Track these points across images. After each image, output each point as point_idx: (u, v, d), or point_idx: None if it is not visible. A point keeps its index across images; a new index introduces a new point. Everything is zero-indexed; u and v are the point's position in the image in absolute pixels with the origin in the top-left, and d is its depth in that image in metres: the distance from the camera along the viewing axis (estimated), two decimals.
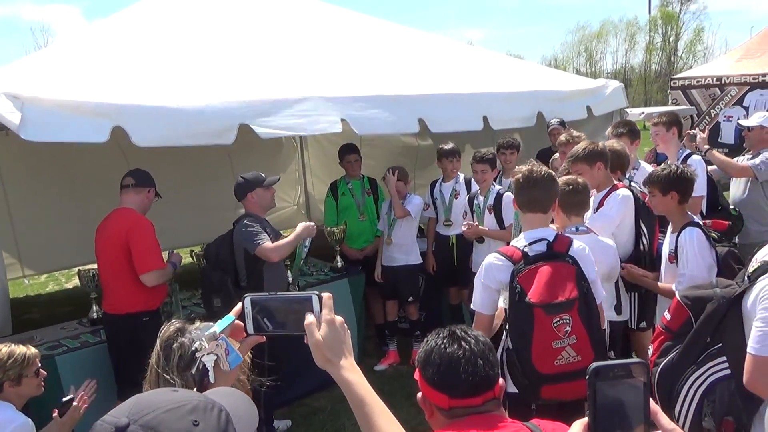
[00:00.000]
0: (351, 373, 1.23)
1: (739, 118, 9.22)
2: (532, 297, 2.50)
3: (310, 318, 1.22)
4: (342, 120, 4.34)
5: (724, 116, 10.94)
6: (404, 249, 5.14)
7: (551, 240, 2.66)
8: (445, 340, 1.56)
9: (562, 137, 4.64)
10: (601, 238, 3.21)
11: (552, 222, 2.94)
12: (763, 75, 10.55)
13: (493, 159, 4.84)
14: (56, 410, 2.73)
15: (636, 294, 3.66)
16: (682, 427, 2.35)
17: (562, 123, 5.35)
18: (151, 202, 3.93)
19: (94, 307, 4.31)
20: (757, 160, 4.65)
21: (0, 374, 2.62)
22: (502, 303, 2.68)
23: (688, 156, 4.56)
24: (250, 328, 1.27)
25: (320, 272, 5.26)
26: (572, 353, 2.49)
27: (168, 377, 1.48)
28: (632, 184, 4.14)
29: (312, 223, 4.11)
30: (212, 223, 5.77)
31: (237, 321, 1.29)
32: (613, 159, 3.80)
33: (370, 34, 6.07)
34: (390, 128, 4.77)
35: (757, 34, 12.56)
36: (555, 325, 2.48)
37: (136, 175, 3.87)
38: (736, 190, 4.94)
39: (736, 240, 4.68)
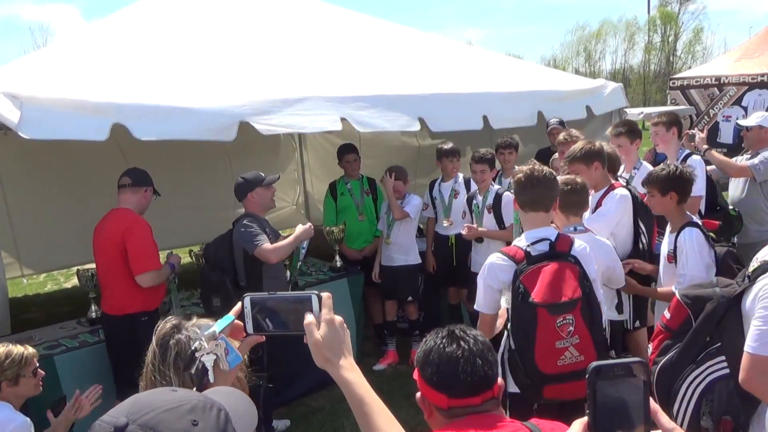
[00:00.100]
0: (350, 373, 1.23)
1: (737, 118, 9.23)
2: (535, 297, 2.49)
3: (309, 318, 1.22)
4: (342, 119, 4.34)
5: (723, 116, 10.95)
6: (403, 249, 5.14)
7: (553, 239, 2.65)
8: (443, 340, 1.56)
9: (561, 136, 4.65)
10: (598, 237, 3.21)
11: (551, 222, 2.94)
12: (762, 75, 10.56)
13: (492, 159, 4.84)
14: (50, 411, 2.72)
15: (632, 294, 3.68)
16: (680, 426, 2.35)
17: (561, 123, 5.35)
18: (149, 201, 3.91)
19: (93, 307, 4.30)
20: (755, 160, 4.66)
21: None
22: (504, 303, 2.67)
23: (688, 156, 4.56)
24: (250, 328, 1.27)
25: (319, 272, 5.26)
26: (575, 353, 2.48)
27: (164, 374, 1.48)
28: (633, 184, 4.15)
29: (310, 224, 4.11)
30: (211, 222, 5.78)
31: (236, 321, 1.29)
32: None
33: (370, 34, 6.07)
34: (390, 127, 4.76)
35: (756, 34, 12.56)
36: (558, 325, 2.47)
37: (132, 175, 3.85)
38: (735, 190, 4.94)
39: (735, 240, 4.69)
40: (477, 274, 2.87)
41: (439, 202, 5.26)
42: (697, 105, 11.33)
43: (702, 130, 5.96)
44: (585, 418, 0.93)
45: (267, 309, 1.26)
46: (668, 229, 3.37)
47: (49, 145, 3.99)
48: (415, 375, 1.59)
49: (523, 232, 2.81)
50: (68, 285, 8.12)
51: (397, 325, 5.48)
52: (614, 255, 3.23)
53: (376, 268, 5.24)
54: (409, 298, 5.21)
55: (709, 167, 4.77)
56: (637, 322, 3.77)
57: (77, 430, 2.85)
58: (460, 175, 5.24)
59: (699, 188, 4.12)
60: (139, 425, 0.84)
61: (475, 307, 2.78)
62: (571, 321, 2.48)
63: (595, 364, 0.90)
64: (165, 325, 1.57)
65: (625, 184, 4.01)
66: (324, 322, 1.22)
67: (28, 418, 2.60)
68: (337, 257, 5.21)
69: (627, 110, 6.50)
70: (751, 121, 4.94)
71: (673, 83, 12.00)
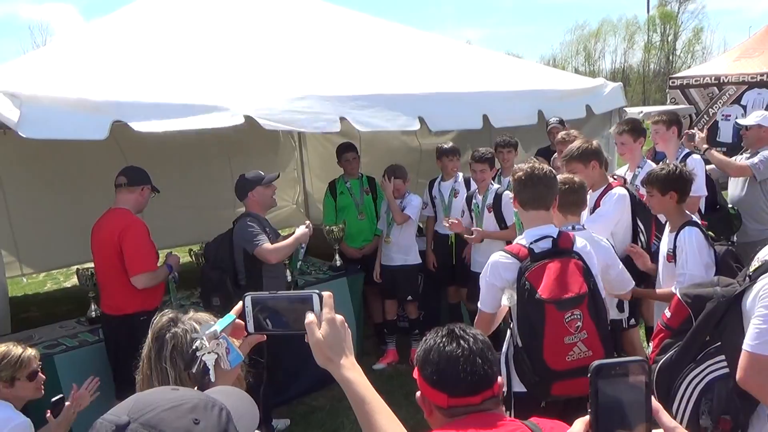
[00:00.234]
0: (352, 372, 1.23)
1: (737, 117, 9.25)
2: (542, 293, 2.48)
3: (310, 317, 1.22)
4: (342, 119, 4.34)
5: (722, 115, 10.97)
6: (403, 249, 5.14)
7: (555, 237, 2.65)
8: (443, 339, 1.56)
9: (560, 136, 4.65)
10: (595, 235, 3.21)
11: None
12: (761, 74, 10.58)
13: (492, 158, 4.84)
14: (49, 411, 2.70)
15: None
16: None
17: (561, 122, 5.35)
18: (147, 200, 3.88)
19: (93, 306, 4.30)
20: (755, 159, 4.66)
21: None
22: (506, 301, 2.67)
23: (688, 155, 4.56)
24: (251, 327, 1.27)
25: (319, 271, 5.26)
26: (584, 348, 2.47)
27: (160, 367, 1.47)
28: (637, 182, 4.15)
29: (308, 224, 4.11)
30: (211, 221, 5.78)
31: (237, 320, 1.29)
32: None
33: (370, 33, 6.07)
34: (389, 126, 4.75)
35: (756, 33, 12.57)
36: (567, 320, 2.46)
37: (128, 174, 3.81)
38: (735, 189, 4.94)
39: (734, 239, 4.69)
40: (476, 273, 2.86)
41: (438, 202, 5.25)
42: (696, 104, 11.34)
43: (702, 130, 5.95)
44: (586, 417, 0.93)
45: (268, 308, 1.26)
46: (667, 228, 3.37)
47: (49, 144, 3.98)
48: (415, 374, 1.59)
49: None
50: (68, 284, 8.11)
51: (397, 324, 5.48)
52: (613, 254, 3.23)
53: (377, 267, 5.24)
54: (409, 298, 5.21)
55: (708, 167, 4.77)
56: (632, 320, 3.79)
57: (77, 430, 2.84)
58: (460, 175, 5.23)
59: (699, 187, 4.12)
60: (140, 424, 0.83)
61: (479, 304, 2.78)
62: (579, 316, 2.47)
63: (596, 363, 0.90)
64: (161, 318, 1.55)
65: (623, 183, 4.01)
66: (325, 321, 1.22)
67: (28, 419, 2.59)
68: (337, 256, 5.22)
69: (627, 109, 6.49)
70: (751, 120, 4.95)
71: (673, 82, 12.01)
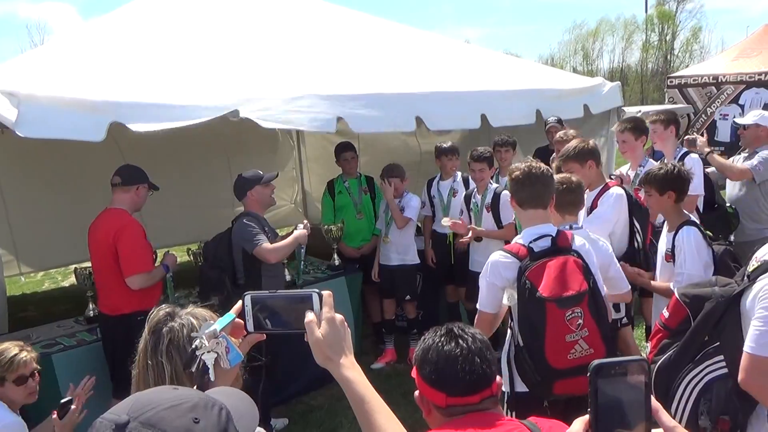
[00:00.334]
0: (351, 371, 1.23)
1: (734, 117, 9.26)
2: (543, 291, 2.48)
3: (310, 316, 1.22)
4: (339, 118, 4.34)
5: (720, 114, 10.97)
6: (402, 248, 5.14)
7: (554, 235, 2.65)
8: (442, 338, 1.55)
9: (558, 135, 4.66)
10: (593, 235, 3.21)
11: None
12: (759, 74, 10.59)
13: (491, 157, 4.83)
14: (56, 411, 2.68)
15: None
16: None
17: (560, 121, 5.35)
18: (144, 199, 3.85)
19: (91, 305, 4.29)
20: (754, 161, 4.66)
21: None
22: (506, 301, 2.67)
23: (686, 154, 4.57)
24: (251, 326, 1.27)
25: (317, 270, 5.26)
26: (585, 346, 2.47)
27: (156, 362, 1.47)
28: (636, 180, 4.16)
29: (306, 224, 4.11)
30: (210, 221, 5.77)
31: (237, 319, 1.29)
32: None
33: (368, 32, 6.06)
34: (387, 126, 4.75)
35: (753, 33, 12.57)
36: (568, 318, 2.46)
37: (122, 173, 3.78)
38: (733, 188, 4.95)
39: (732, 238, 4.70)
40: (475, 272, 2.86)
41: (437, 201, 5.25)
42: (694, 103, 11.35)
43: (702, 134, 5.95)
44: (586, 417, 0.93)
45: (268, 307, 1.26)
46: (666, 228, 3.37)
47: (47, 143, 3.96)
48: (414, 373, 1.59)
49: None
50: (66, 283, 8.10)
51: (396, 323, 5.48)
52: (610, 253, 3.23)
53: (375, 267, 5.24)
54: (407, 297, 5.21)
55: (708, 169, 4.78)
56: (625, 319, 3.79)
57: (77, 429, 2.83)
58: (459, 174, 5.23)
59: (696, 186, 4.13)
60: (140, 422, 0.83)
61: (477, 305, 2.78)
62: (579, 314, 2.47)
63: (596, 362, 0.90)
64: (158, 312, 1.54)
65: (620, 182, 4.02)
66: (325, 320, 1.22)
67: (21, 419, 2.57)
68: (336, 256, 5.21)
69: (624, 109, 6.50)
70: (748, 119, 4.95)
71: (671, 82, 12.02)
